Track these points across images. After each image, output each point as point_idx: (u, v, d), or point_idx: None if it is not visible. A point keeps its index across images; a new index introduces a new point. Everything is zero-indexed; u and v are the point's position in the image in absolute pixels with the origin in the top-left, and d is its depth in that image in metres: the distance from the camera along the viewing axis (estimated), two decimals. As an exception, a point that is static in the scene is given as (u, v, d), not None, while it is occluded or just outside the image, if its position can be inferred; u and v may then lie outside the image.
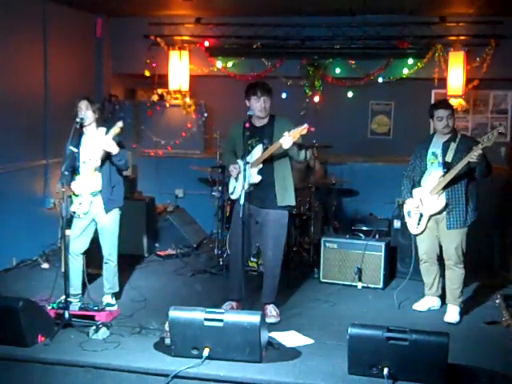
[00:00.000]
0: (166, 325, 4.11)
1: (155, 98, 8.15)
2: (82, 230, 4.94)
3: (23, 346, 4.09)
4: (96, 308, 4.69)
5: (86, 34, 7.68)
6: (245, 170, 4.52)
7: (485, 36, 7.10)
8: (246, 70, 7.80)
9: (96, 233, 5.04)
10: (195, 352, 3.93)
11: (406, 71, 7.45)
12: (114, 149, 4.74)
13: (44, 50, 6.73)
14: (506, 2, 6.16)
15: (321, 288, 5.78)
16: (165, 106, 8.18)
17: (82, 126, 4.80)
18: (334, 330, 4.60)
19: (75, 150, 4.72)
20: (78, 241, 4.92)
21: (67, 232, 4.81)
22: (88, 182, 4.85)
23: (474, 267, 5.51)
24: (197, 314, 3.94)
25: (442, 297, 5.13)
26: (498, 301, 4.69)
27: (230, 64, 7.85)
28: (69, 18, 7.21)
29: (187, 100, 8.01)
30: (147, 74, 7.95)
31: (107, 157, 4.84)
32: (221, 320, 3.89)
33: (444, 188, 4.83)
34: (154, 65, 7.91)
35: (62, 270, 4.61)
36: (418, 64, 7.36)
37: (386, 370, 3.64)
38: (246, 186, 4.52)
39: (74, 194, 4.83)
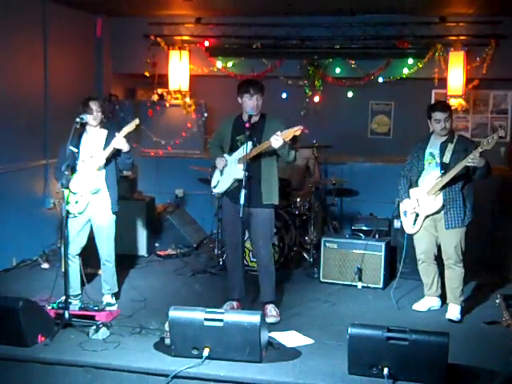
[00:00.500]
0: (166, 325, 4.11)
1: (155, 97, 8.15)
2: (77, 231, 4.93)
3: (23, 346, 4.09)
4: (96, 308, 4.69)
5: (86, 34, 7.68)
6: (245, 168, 4.52)
7: (485, 36, 7.09)
8: (246, 70, 7.79)
9: (92, 233, 5.04)
10: (195, 352, 3.93)
11: (406, 71, 7.45)
12: (125, 146, 4.77)
13: (44, 50, 6.73)
14: (506, 2, 6.15)
15: (321, 288, 5.78)
16: (165, 106, 8.18)
17: (83, 125, 4.81)
18: (333, 329, 4.60)
19: (75, 150, 4.72)
20: (73, 242, 4.89)
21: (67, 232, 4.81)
22: (87, 181, 4.85)
23: (474, 267, 5.51)
24: (197, 314, 3.94)
25: (442, 296, 5.13)
26: (497, 301, 4.69)
27: (230, 64, 7.84)
28: (69, 18, 7.21)
29: (187, 100, 8.00)
30: (147, 74, 7.95)
31: (113, 156, 4.85)
32: (221, 320, 3.89)
33: (441, 189, 4.84)
34: (154, 65, 7.90)
35: (62, 269, 4.60)
36: (418, 64, 7.36)
37: (386, 370, 3.64)
38: (243, 186, 4.51)
39: (72, 192, 4.83)
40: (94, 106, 4.85)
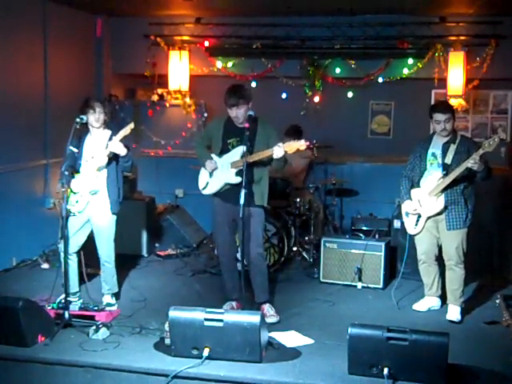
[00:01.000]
0: (166, 325, 4.11)
1: (155, 98, 8.15)
2: (76, 229, 4.93)
3: (23, 346, 4.09)
4: (96, 308, 4.69)
5: (86, 34, 7.68)
6: (245, 170, 4.51)
7: (485, 36, 7.09)
8: (246, 70, 7.79)
9: (92, 233, 5.04)
10: (195, 352, 3.93)
11: (406, 71, 7.44)
12: (123, 150, 4.76)
13: (44, 50, 6.73)
14: (506, 2, 6.15)
15: (321, 288, 5.78)
16: (165, 106, 8.18)
17: (85, 125, 4.81)
18: (333, 330, 4.60)
19: (75, 150, 4.73)
20: (71, 240, 4.87)
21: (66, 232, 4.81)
22: (88, 181, 4.85)
23: (474, 267, 5.51)
24: (197, 314, 3.94)
25: (442, 297, 5.13)
26: (498, 301, 4.69)
27: (229, 64, 7.84)
28: (69, 18, 7.21)
29: (187, 100, 8.00)
30: (147, 74, 7.95)
31: (114, 158, 4.85)
32: (221, 320, 3.89)
33: (443, 190, 4.82)
34: (154, 65, 7.90)
35: (62, 269, 4.61)
36: (418, 64, 7.35)
37: (386, 370, 3.64)
38: (244, 185, 4.50)
39: (72, 192, 4.83)
40: (96, 107, 4.85)
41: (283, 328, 4.62)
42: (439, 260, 5.07)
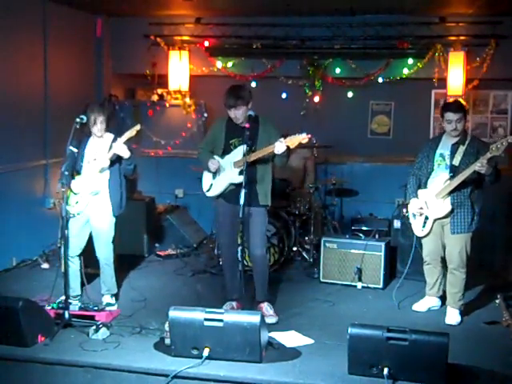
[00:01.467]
0: (166, 325, 4.11)
1: (155, 98, 8.15)
2: (77, 232, 4.93)
3: (23, 346, 4.09)
4: (96, 308, 4.69)
5: (86, 34, 7.68)
6: (245, 169, 4.51)
7: (485, 36, 7.09)
8: (246, 70, 7.79)
9: (91, 234, 5.04)
10: (195, 352, 3.93)
11: (406, 71, 7.44)
12: (126, 153, 4.77)
13: (44, 50, 6.73)
14: (506, 2, 6.15)
15: (321, 288, 5.79)
16: (165, 106, 8.17)
17: (84, 125, 4.81)
18: (333, 329, 4.60)
19: (75, 150, 4.72)
20: (73, 242, 4.88)
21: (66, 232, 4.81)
22: (89, 182, 4.85)
23: (475, 268, 5.50)
24: (197, 314, 3.94)
25: (443, 297, 5.12)
26: (497, 301, 4.68)
27: (229, 64, 7.84)
28: (69, 18, 7.20)
29: (187, 100, 8.00)
30: (147, 74, 7.95)
31: (116, 160, 4.85)
32: (221, 320, 3.89)
33: (450, 193, 4.73)
34: (153, 65, 7.90)
35: (62, 270, 4.61)
36: (418, 64, 7.35)
37: (385, 370, 3.64)
38: (243, 186, 4.50)
39: (73, 192, 4.82)
40: (97, 119, 4.84)
41: (283, 328, 4.62)
42: (444, 262, 5.03)
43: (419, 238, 5.09)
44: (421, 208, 4.92)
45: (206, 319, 3.91)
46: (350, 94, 7.78)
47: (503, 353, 4.22)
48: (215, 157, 4.92)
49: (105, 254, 5.04)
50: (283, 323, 4.76)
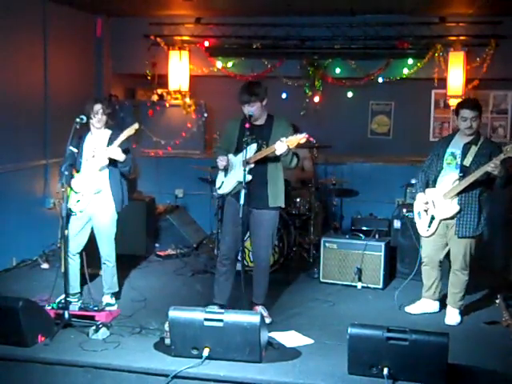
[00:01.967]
0: (166, 325, 4.11)
1: (155, 98, 8.15)
2: (78, 230, 4.93)
3: (23, 346, 4.09)
4: (96, 308, 4.69)
5: (86, 34, 7.68)
6: (244, 170, 4.50)
7: (485, 36, 7.09)
8: (246, 70, 7.79)
9: (93, 233, 5.04)
10: (195, 352, 3.93)
11: (406, 71, 7.45)
12: (120, 156, 4.76)
13: (44, 50, 6.73)
14: (506, 1, 6.15)
15: (320, 288, 5.78)
16: (165, 106, 8.17)
17: (85, 124, 4.81)
18: (333, 329, 4.60)
19: (75, 150, 4.72)
20: (74, 240, 4.89)
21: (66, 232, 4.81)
22: (90, 180, 4.85)
23: (475, 268, 5.50)
24: (197, 314, 3.94)
25: (442, 301, 5.08)
26: (497, 301, 4.68)
27: (229, 64, 7.84)
28: (69, 18, 7.20)
29: (187, 100, 8.00)
30: (147, 74, 7.95)
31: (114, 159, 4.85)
32: (221, 320, 3.89)
33: (458, 193, 4.67)
34: (154, 65, 7.90)
35: (62, 270, 4.61)
36: (418, 64, 7.36)
37: (385, 370, 3.64)
38: (244, 186, 4.49)
39: (74, 191, 4.82)
40: (99, 109, 4.85)
41: (283, 328, 4.62)
42: (444, 265, 5.02)
43: (420, 238, 5.07)
44: (426, 203, 4.85)
45: (206, 319, 3.91)
46: (349, 94, 7.79)
47: (503, 353, 4.22)
48: (230, 155, 4.87)
49: (107, 250, 5.05)
50: (283, 323, 4.76)
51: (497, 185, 4.66)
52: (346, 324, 3.89)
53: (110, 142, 4.86)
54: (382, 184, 7.23)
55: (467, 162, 4.68)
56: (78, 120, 4.69)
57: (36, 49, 6.64)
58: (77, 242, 4.95)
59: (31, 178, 6.66)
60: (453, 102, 7.18)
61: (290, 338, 4.41)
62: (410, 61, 7.39)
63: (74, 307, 4.66)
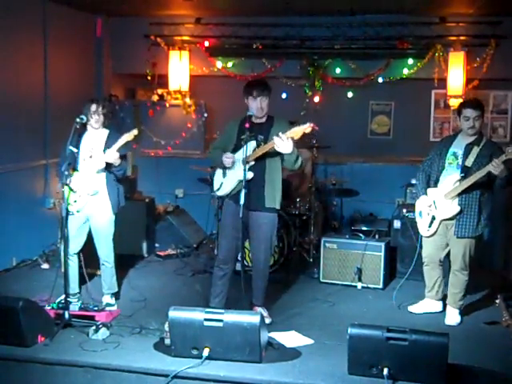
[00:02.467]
0: (166, 325, 4.11)
1: (155, 98, 8.15)
2: (75, 230, 4.92)
3: (23, 346, 4.09)
4: (96, 308, 4.69)
5: (86, 34, 7.68)
6: (244, 169, 4.49)
7: (485, 36, 7.09)
8: (246, 70, 7.79)
9: (91, 233, 5.04)
10: (195, 352, 3.93)
11: (406, 71, 7.44)
12: (116, 161, 4.76)
13: (44, 50, 6.73)
14: (506, 2, 6.15)
15: (320, 288, 5.78)
16: (165, 106, 8.17)
17: (84, 124, 4.82)
18: (333, 329, 4.60)
19: (75, 150, 4.72)
20: (72, 240, 4.88)
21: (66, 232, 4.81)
22: (87, 181, 4.85)
23: (475, 268, 5.50)
24: (197, 314, 3.94)
25: (444, 301, 5.08)
26: (497, 301, 4.68)
27: (230, 64, 7.84)
28: (69, 18, 7.20)
29: (187, 100, 8.00)
30: (147, 74, 7.95)
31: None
32: (221, 320, 3.89)
33: (459, 194, 4.67)
34: (154, 65, 7.90)
35: (62, 270, 4.61)
36: (418, 64, 7.35)
37: (385, 370, 3.64)
38: (244, 185, 4.48)
39: (71, 190, 4.82)
40: (98, 109, 4.86)
41: (283, 328, 4.62)
42: (445, 264, 5.01)
43: (421, 238, 5.07)
44: (430, 206, 4.85)
45: (206, 319, 3.91)
46: (349, 94, 7.79)
47: (503, 353, 4.22)
48: (228, 154, 4.79)
49: (105, 251, 5.05)
50: (283, 323, 4.76)
51: (497, 185, 4.65)
52: (345, 324, 3.89)
53: (107, 143, 4.86)
54: (382, 184, 7.23)
55: (469, 162, 4.68)
56: (78, 120, 4.69)
57: (36, 49, 6.64)
58: (75, 242, 4.94)
59: (31, 178, 6.66)
60: (453, 102, 7.19)
61: (290, 338, 4.41)
62: (410, 61, 7.39)
63: (74, 307, 4.66)
